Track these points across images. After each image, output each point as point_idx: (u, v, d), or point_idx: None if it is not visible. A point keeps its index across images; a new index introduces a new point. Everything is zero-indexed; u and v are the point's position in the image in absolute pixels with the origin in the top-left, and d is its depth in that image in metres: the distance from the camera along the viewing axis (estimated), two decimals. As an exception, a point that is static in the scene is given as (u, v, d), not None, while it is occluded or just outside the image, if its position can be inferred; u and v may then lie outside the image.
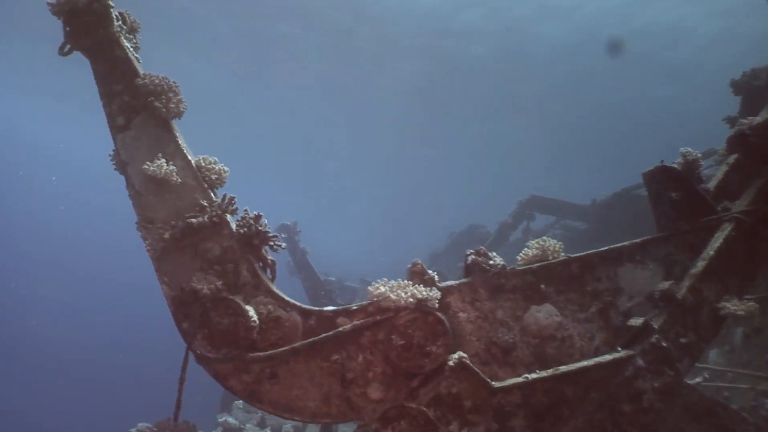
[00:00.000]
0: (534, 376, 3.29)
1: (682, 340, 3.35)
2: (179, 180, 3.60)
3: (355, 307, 3.48)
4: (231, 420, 10.12)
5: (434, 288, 3.41)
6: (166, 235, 3.50)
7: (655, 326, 3.33)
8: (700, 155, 3.72)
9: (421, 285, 3.37)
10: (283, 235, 13.65)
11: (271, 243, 3.59)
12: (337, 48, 30.91)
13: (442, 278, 11.51)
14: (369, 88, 35.43)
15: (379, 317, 3.37)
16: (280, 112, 39.09)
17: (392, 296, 3.28)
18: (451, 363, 3.28)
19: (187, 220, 3.49)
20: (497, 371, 3.49)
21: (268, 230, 3.58)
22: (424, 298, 3.30)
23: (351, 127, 43.01)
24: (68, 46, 3.77)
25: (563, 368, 3.33)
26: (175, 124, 3.87)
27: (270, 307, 3.47)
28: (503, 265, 3.56)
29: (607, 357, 3.33)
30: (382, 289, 3.34)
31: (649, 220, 9.10)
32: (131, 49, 3.90)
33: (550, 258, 3.68)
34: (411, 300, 3.27)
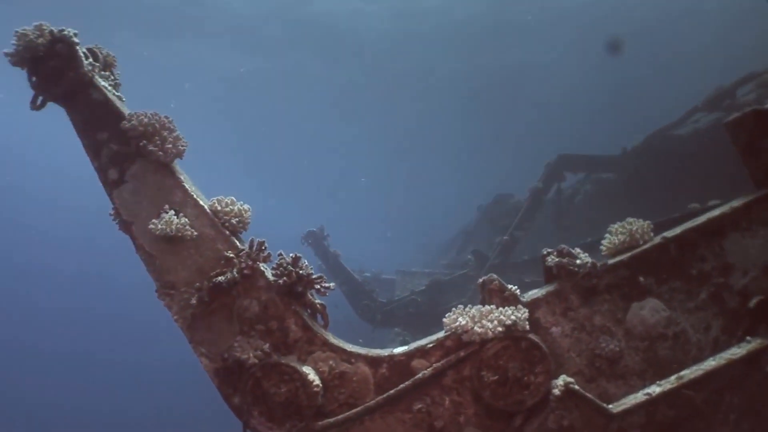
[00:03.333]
0: (657, 390, 2.77)
1: (822, 315, 2.81)
2: (195, 233, 3.05)
3: (431, 345, 2.94)
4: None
5: (520, 306, 2.87)
6: (193, 300, 2.96)
7: (788, 304, 2.79)
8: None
9: (508, 307, 2.83)
10: (310, 241, 13.23)
11: (318, 286, 3.04)
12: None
13: (482, 258, 10.96)
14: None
15: (462, 353, 2.84)
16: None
17: (477, 329, 2.74)
18: (556, 391, 2.75)
19: (214, 280, 2.95)
20: (606, 386, 2.96)
21: (311, 271, 3.04)
22: (512, 323, 2.76)
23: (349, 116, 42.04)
24: (40, 98, 3.22)
25: (687, 373, 2.80)
26: (178, 165, 3.31)
27: (331, 362, 2.94)
28: (593, 262, 3.01)
29: (738, 351, 2.79)
30: (462, 320, 2.80)
31: (688, 160, 8.51)
32: (110, 88, 3.32)
33: (641, 243, 3.12)
34: (499, 329, 2.74)
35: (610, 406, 2.77)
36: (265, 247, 3.03)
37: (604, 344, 2.95)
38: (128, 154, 3.19)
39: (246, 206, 3.24)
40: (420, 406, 2.89)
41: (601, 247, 3.25)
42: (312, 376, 2.82)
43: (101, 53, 3.39)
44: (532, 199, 10.11)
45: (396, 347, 9.93)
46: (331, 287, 3.09)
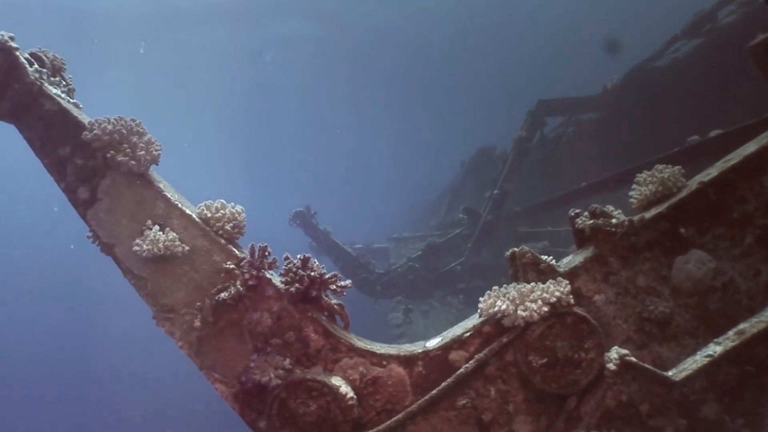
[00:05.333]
0: (718, 349, 2.56)
1: None
2: (186, 247, 2.71)
3: (468, 334, 2.67)
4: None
5: (559, 279, 2.61)
6: (197, 323, 2.64)
7: (844, 237, 2.58)
8: None
9: (548, 282, 2.56)
10: (298, 222, 12.87)
11: (333, 286, 2.74)
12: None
13: (474, 215, 10.66)
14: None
15: (505, 339, 2.58)
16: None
17: (521, 313, 2.47)
18: (611, 366, 2.53)
19: (216, 297, 2.62)
20: (659, 350, 2.74)
21: (324, 271, 2.72)
22: (557, 299, 2.50)
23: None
24: (-13, 118, 2.81)
25: (746, 327, 2.59)
26: (154, 172, 2.93)
27: (362, 368, 2.66)
28: (629, 219, 2.75)
29: (797, 295, 2.59)
30: (501, 305, 2.52)
31: (670, 92, 8.27)
32: (63, 95, 2.91)
33: (674, 190, 2.87)
34: (545, 309, 2.47)
35: (670, 373, 2.57)
36: (269, 253, 2.70)
37: (652, 306, 2.72)
38: (97, 168, 2.81)
39: (238, 208, 2.89)
40: (464, 401, 2.64)
41: (631, 200, 2.99)
42: (344, 387, 2.54)
43: (47, 57, 2.95)
44: (517, 149, 9.83)
45: (398, 315, 9.67)
46: (348, 285, 2.79)
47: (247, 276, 2.64)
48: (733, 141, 5.13)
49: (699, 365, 2.53)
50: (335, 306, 2.80)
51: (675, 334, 2.75)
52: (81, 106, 3.06)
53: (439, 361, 2.68)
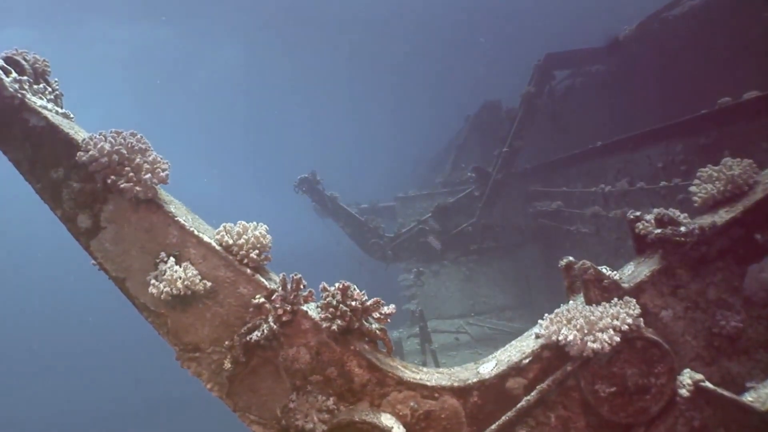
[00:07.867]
0: (803, 368, 2.34)
1: None
2: (209, 284, 2.41)
3: (527, 360, 2.44)
4: None
5: (627, 298, 2.35)
6: (227, 364, 2.38)
7: None
8: None
9: (616, 305, 2.31)
10: (304, 189, 12.55)
11: (376, 314, 2.47)
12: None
13: (484, 175, 10.26)
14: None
15: (569, 368, 2.35)
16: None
17: (591, 345, 2.22)
18: (684, 392, 2.31)
19: (246, 338, 2.35)
20: (728, 366, 2.53)
21: (365, 298, 2.45)
22: (629, 328, 2.25)
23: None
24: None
25: (831, 338, 2.37)
26: (163, 192, 2.60)
27: (412, 403, 2.43)
28: (700, 226, 2.46)
29: None
30: (568, 334, 2.27)
31: (691, 46, 7.74)
32: (50, 105, 2.53)
33: (746, 188, 2.57)
34: (616, 339, 2.22)
35: (750, 398, 2.35)
36: (305, 285, 2.41)
37: (723, 320, 2.48)
38: (97, 192, 2.47)
39: (262, 228, 2.57)
40: (523, 430, 2.44)
41: (695, 198, 2.71)
42: (396, 429, 2.32)
43: (26, 61, 2.55)
44: (526, 104, 9.37)
45: (409, 277, 9.39)
46: (392, 312, 2.52)
47: (280, 312, 2.37)
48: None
49: (783, 389, 2.32)
50: (377, 332, 2.54)
51: (746, 348, 2.52)
52: (72, 115, 2.69)
53: (495, 390, 2.45)
